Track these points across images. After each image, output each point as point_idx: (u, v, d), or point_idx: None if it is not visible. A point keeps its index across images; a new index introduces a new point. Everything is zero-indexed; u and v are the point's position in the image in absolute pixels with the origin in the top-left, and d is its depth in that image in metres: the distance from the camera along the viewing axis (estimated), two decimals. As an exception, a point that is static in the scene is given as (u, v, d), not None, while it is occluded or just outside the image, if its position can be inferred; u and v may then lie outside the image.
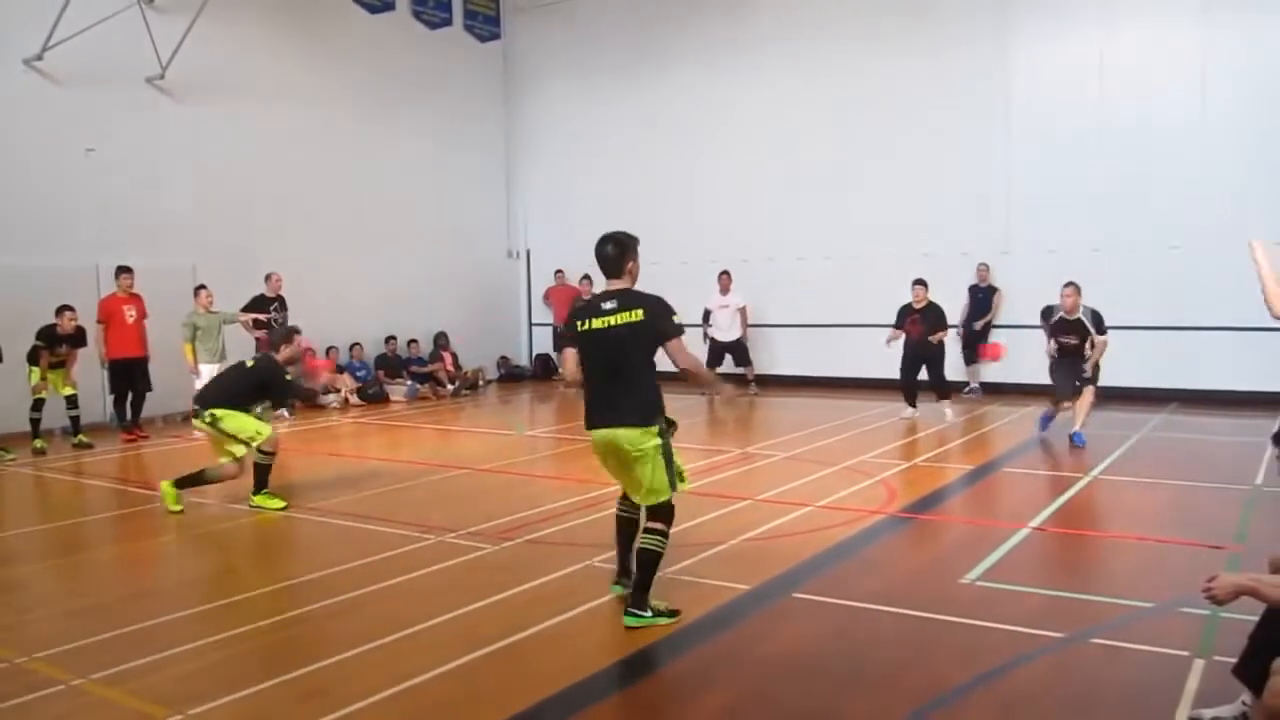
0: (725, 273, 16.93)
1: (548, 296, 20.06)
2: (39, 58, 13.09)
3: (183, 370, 13.05)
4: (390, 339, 17.28)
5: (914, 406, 13.58)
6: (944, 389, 13.61)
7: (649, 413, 5.44)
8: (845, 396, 15.48)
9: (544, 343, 20.60)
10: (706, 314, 16.95)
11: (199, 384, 12.91)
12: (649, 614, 5.37)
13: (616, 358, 5.43)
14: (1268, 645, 3.58)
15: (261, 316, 14.02)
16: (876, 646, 5.13)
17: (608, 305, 5.47)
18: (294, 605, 5.82)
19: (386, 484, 9.77)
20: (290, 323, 14.54)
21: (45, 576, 7.00)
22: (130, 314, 12.85)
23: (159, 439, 12.92)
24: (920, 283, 13.64)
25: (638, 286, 5.65)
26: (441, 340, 18.26)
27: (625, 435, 5.39)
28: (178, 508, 8.43)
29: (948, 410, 13.36)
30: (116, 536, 8.35)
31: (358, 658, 4.99)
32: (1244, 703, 3.83)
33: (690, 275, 18.45)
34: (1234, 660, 3.86)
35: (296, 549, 7.59)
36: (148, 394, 13.08)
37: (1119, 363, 14.60)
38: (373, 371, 16.93)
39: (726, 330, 16.71)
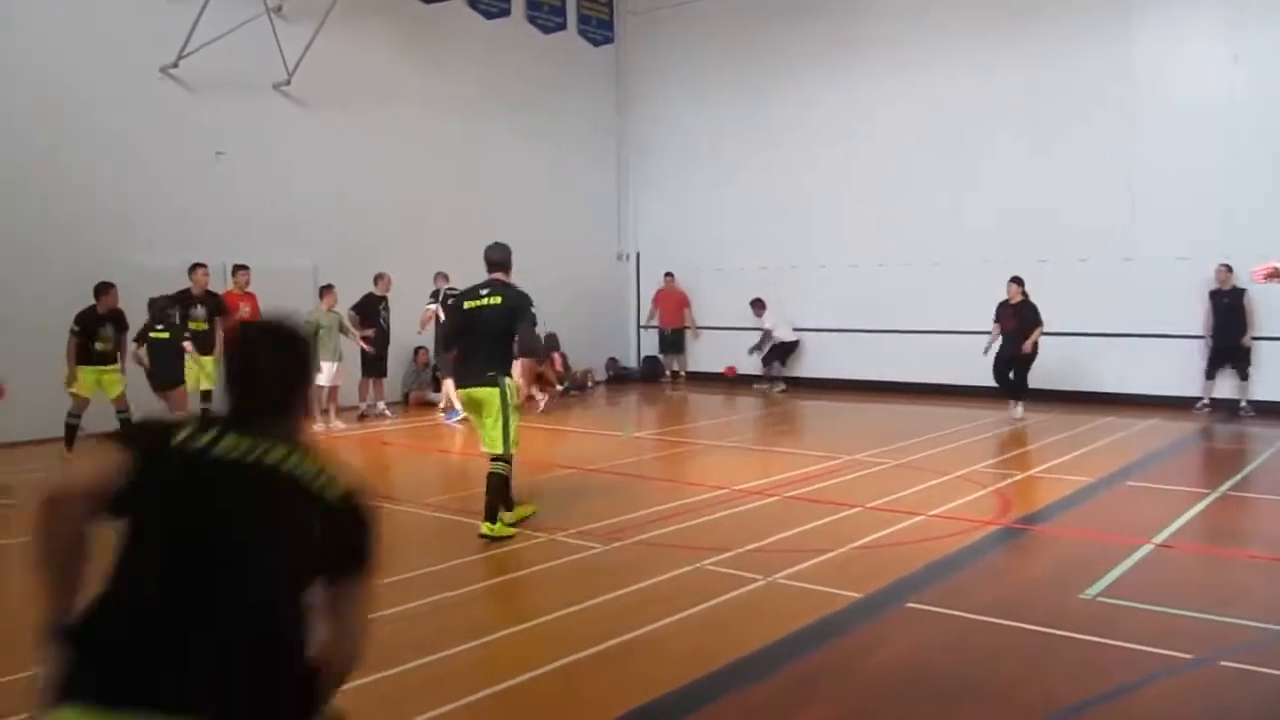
0: (757, 300, 18.18)
1: (656, 299, 20.13)
2: (174, 66, 13.64)
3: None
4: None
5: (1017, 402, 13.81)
6: (1021, 393, 13.72)
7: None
8: (950, 404, 15.15)
9: (652, 345, 20.67)
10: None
11: (320, 379, 13.36)
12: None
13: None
14: None
15: (369, 333, 14.34)
16: (990, 660, 5.01)
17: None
18: (402, 600, 5.93)
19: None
20: (395, 323, 14.89)
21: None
22: (244, 310, 13.31)
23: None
24: (1016, 280, 13.77)
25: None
26: (551, 341, 18.43)
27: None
28: (509, 533, 7.47)
29: (1019, 409, 13.58)
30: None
31: (464, 654, 5.07)
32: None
33: (800, 279, 18.37)
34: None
35: (406, 544, 7.74)
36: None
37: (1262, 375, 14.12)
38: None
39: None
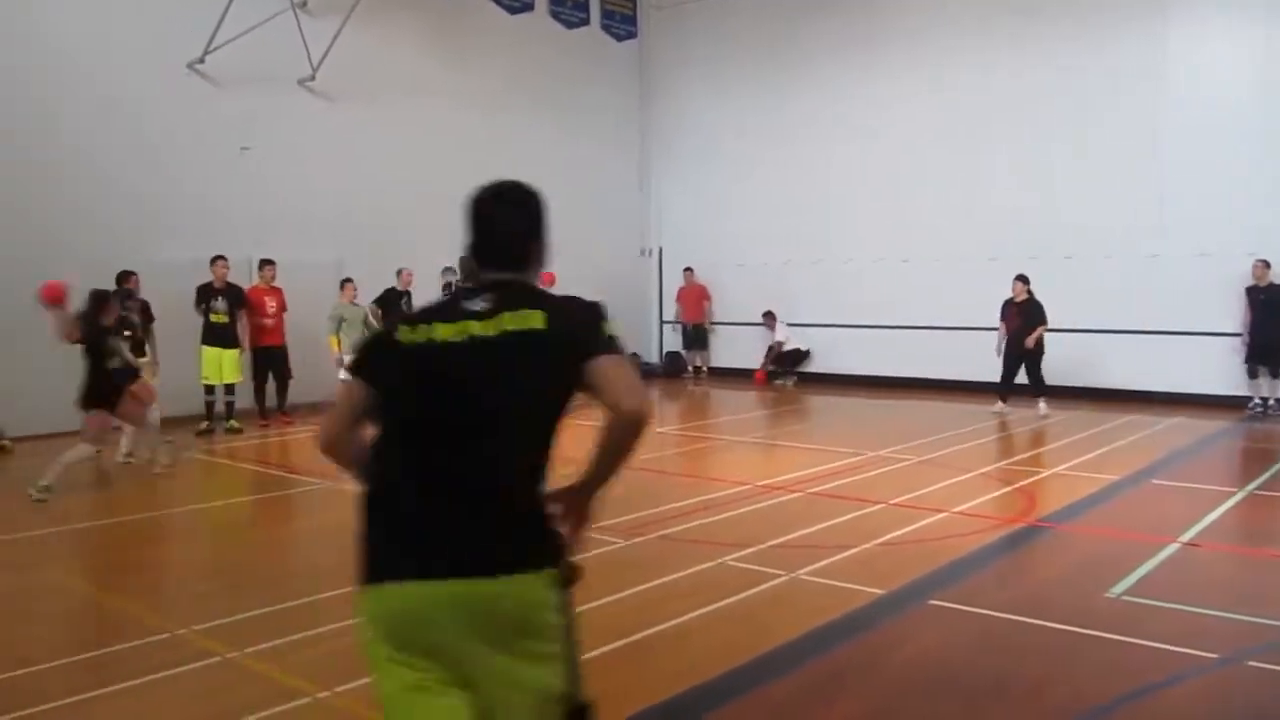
0: (769, 313, 18.59)
1: (679, 295, 20.13)
2: (201, 61, 13.73)
3: (322, 361, 13.60)
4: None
5: (1005, 402, 13.89)
6: (1040, 388, 13.78)
7: None
8: (972, 400, 15.06)
9: (674, 340, 20.68)
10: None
11: (343, 374, 13.43)
12: None
13: None
14: None
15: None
16: (1016, 659, 4.99)
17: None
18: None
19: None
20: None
21: (202, 555, 7.36)
22: (271, 305, 13.42)
23: (302, 425, 13.41)
24: (1021, 278, 13.94)
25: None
26: (573, 336, 18.48)
27: None
28: None
29: (1042, 405, 13.62)
30: (266, 519, 8.72)
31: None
32: None
33: (821, 274, 18.33)
34: None
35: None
36: (290, 381, 13.61)
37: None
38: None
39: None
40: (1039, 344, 13.75)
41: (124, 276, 11.77)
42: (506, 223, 2.73)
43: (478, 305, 2.50)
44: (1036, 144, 15.92)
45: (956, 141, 16.76)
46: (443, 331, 2.46)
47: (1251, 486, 9.15)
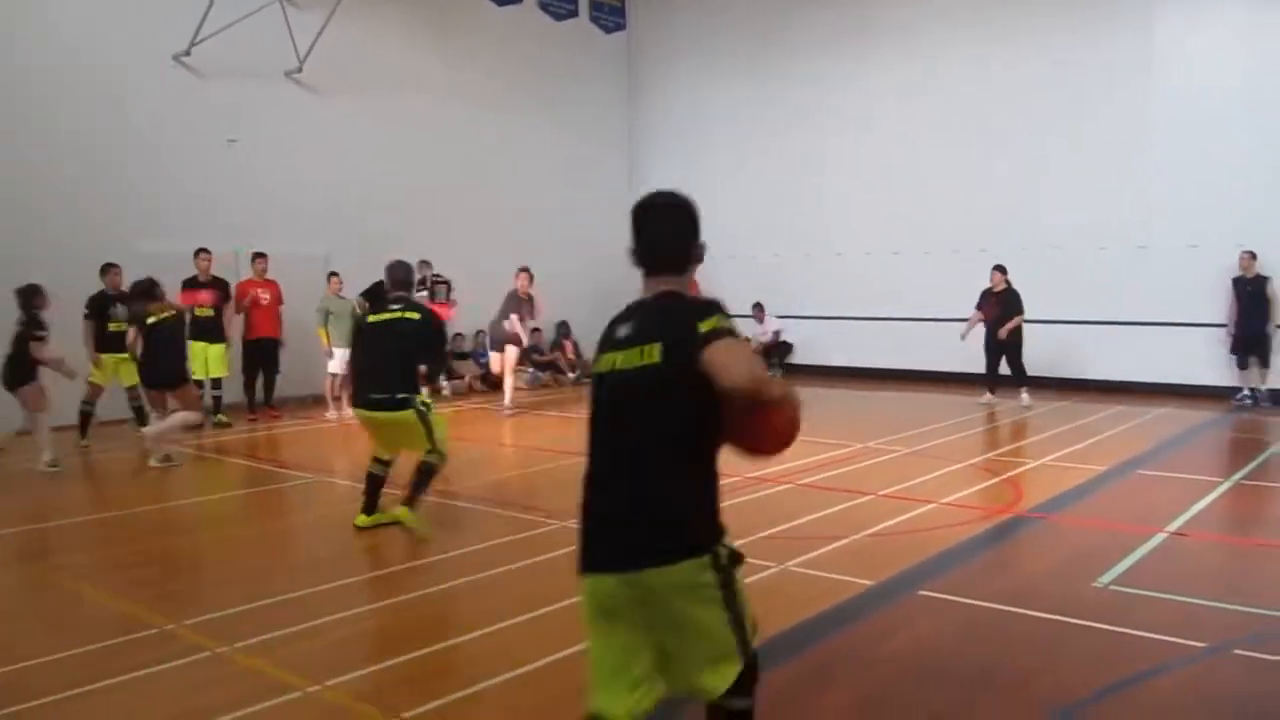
0: (758, 304, 18.38)
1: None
2: (186, 53, 13.67)
3: (313, 354, 13.60)
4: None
5: (993, 393, 14.07)
6: (1022, 379, 13.99)
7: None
8: (962, 392, 15.10)
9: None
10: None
11: (332, 365, 13.42)
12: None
13: None
14: None
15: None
16: (1004, 649, 5.01)
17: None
18: (422, 585, 5.98)
19: (510, 469, 9.97)
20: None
21: (192, 549, 7.34)
22: (264, 297, 13.37)
23: (290, 419, 13.39)
24: (1000, 268, 14.16)
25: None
26: (563, 329, 18.49)
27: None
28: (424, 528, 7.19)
29: (1024, 396, 13.85)
30: (254, 514, 8.70)
31: (481, 640, 5.11)
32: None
33: (813, 266, 18.35)
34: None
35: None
36: (276, 376, 13.57)
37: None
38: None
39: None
40: (1018, 335, 13.88)
41: (106, 269, 11.72)
42: (662, 227, 3.21)
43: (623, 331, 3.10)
44: (1028, 136, 15.96)
45: (948, 134, 16.78)
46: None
47: (1238, 476, 9.21)
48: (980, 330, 14.31)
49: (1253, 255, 13.80)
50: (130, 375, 11.48)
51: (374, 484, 7.46)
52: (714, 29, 19.63)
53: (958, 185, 16.66)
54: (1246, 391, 13.98)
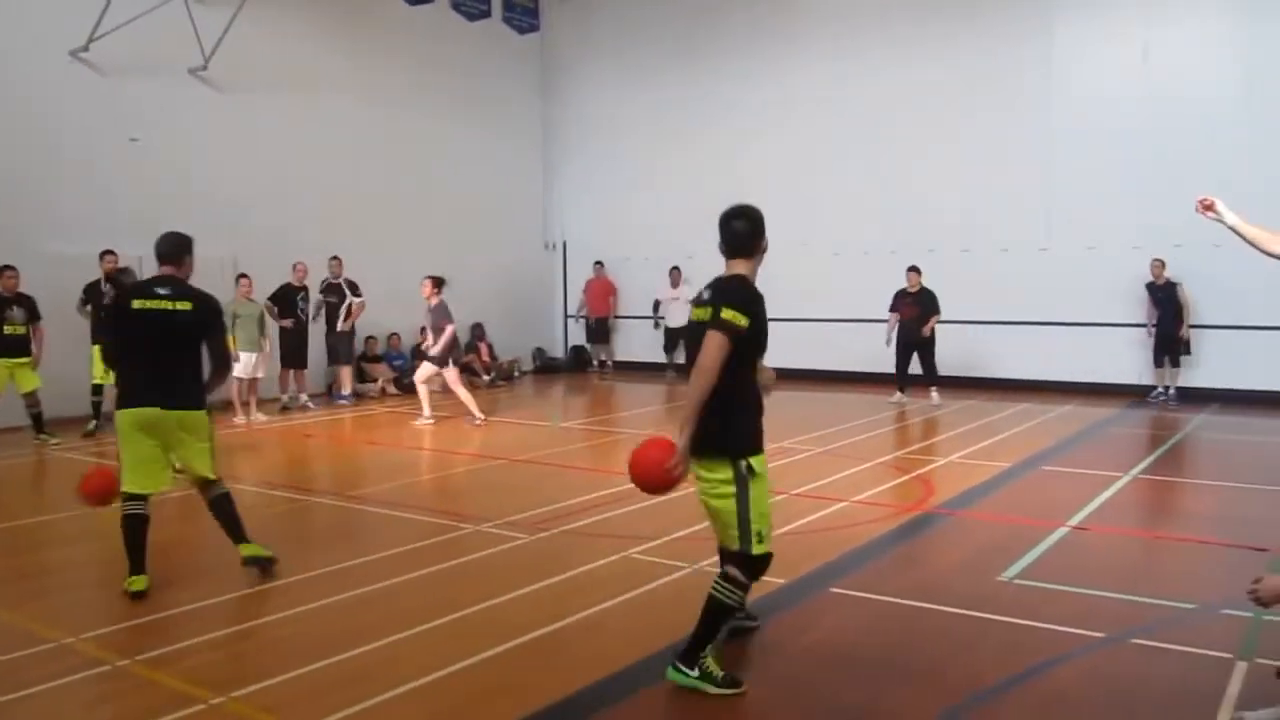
0: (676, 268, 18.09)
1: (586, 289, 20.11)
2: (85, 49, 13.26)
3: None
4: (424, 329, 17.34)
5: (903, 392, 14.41)
6: (933, 378, 14.37)
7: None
8: (871, 391, 15.36)
9: (580, 335, 20.65)
10: (656, 304, 18.92)
11: (237, 371, 13.10)
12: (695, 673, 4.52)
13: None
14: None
15: (286, 324, 14.27)
16: (914, 643, 5.11)
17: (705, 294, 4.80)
18: (331, 592, 5.87)
19: (422, 473, 9.86)
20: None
21: (90, 560, 7.11)
22: None
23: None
24: (914, 269, 14.49)
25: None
26: (478, 331, 18.37)
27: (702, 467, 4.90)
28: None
29: (934, 395, 14.23)
30: (158, 522, 8.45)
31: (395, 645, 5.04)
32: (1290, 706, 3.79)
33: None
34: (1278, 663, 3.82)
35: (331, 537, 7.66)
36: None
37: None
38: (409, 361, 16.99)
39: (677, 318, 17.61)
40: (931, 334, 14.19)
41: (0, 271, 11.30)
42: (735, 224, 5.10)
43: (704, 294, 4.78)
44: (939, 139, 16.33)
45: (860, 136, 17.07)
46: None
47: (1136, 471, 9.50)
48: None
49: (1163, 264, 14.30)
50: (27, 380, 11.10)
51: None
52: (627, 30, 19.70)
53: (869, 187, 16.96)
54: (1160, 389, 14.47)
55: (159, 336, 5.93)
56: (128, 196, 13.73)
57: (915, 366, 14.43)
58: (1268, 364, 13.99)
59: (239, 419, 13.09)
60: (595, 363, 20.14)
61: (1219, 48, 14.34)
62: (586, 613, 5.50)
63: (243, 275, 13.60)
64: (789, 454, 10.41)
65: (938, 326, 14.26)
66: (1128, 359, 14.88)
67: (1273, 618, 5.22)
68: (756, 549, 4.46)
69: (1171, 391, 14.43)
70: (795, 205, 17.70)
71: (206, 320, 6.12)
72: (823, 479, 9.07)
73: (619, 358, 20.10)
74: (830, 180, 17.37)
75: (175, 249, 6.16)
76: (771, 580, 5.99)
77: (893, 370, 14.63)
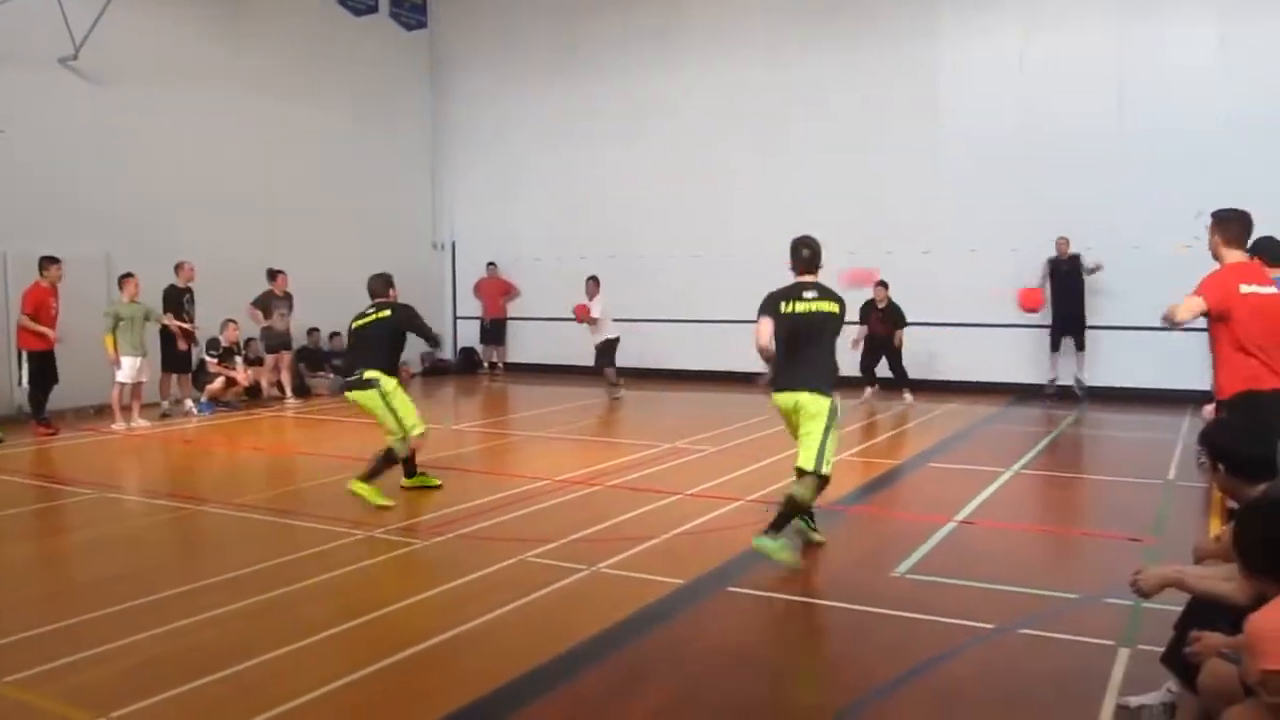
0: (593, 278, 15.82)
1: (477, 289, 19.90)
2: (-57, 35, 12.60)
3: (95, 362, 12.64)
4: (312, 331, 16.96)
5: (874, 386, 14.77)
6: (904, 380, 14.80)
7: (829, 383, 6.53)
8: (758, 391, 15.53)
9: (470, 336, 20.41)
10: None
11: (120, 376, 12.58)
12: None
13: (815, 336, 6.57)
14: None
15: (189, 327, 13.78)
16: (810, 640, 5.18)
17: (809, 294, 6.59)
18: (217, 604, 5.67)
19: (311, 479, 9.61)
20: (204, 315, 14.21)
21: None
22: (55, 306, 12.42)
23: (70, 432, 12.49)
24: (882, 284, 14.84)
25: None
26: (365, 332, 17.98)
27: (808, 397, 6.38)
28: (387, 501, 8.05)
29: (908, 396, 14.62)
30: (30, 533, 8.07)
31: (285, 657, 4.88)
32: (1170, 690, 3.93)
33: (619, 269, 18.48)
34: (1158, 649, 3.97)
35: (218, 546, 7.41)
36: (54, 386, 12.60)
37: (1041, 361, 15.16)
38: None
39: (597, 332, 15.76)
40: (900, 342, 14.70)
41: None
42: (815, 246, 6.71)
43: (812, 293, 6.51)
44: (822, 143, 16.58)
45: (747, 136, 17.25)
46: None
47: (1017, 466, 9.81)
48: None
49: (1067, 240, 14.71)
50: None
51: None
52: (517, 27, 19.54)
53: (755, 187, 17.14)
54: (1053, 378, 15.01)
55: None
56: (-9, 192, 13.08)
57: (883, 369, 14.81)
58: (1155, 363, 14.46)
59: (118, 424, 12.56)
60: (486, 364, 19.94)
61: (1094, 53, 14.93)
62: (483, 619, 5.41)
63: (128, 275, 12.98)
64: (683, 454, 10.46)
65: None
66: (1013, 358, 15.41)
67: (1152, 606, 5.43)
68: (826, 470, 6.37)
69: (1082, 380, 14.86)
70: (683, 207, 17.85)
71: None
72: (717, 479, 9.13)
73: (511, 359, 19.93)
74: (717, 181, 17.49)
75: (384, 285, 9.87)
76: (667, 581, 6.03)
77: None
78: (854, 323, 14.89)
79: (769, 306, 6.58)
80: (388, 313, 9.15)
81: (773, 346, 6.49)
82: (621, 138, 18.42)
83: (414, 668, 4.78)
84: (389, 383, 8.44)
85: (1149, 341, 14.08)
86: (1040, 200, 14.98)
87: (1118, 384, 14.74)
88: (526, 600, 5.73)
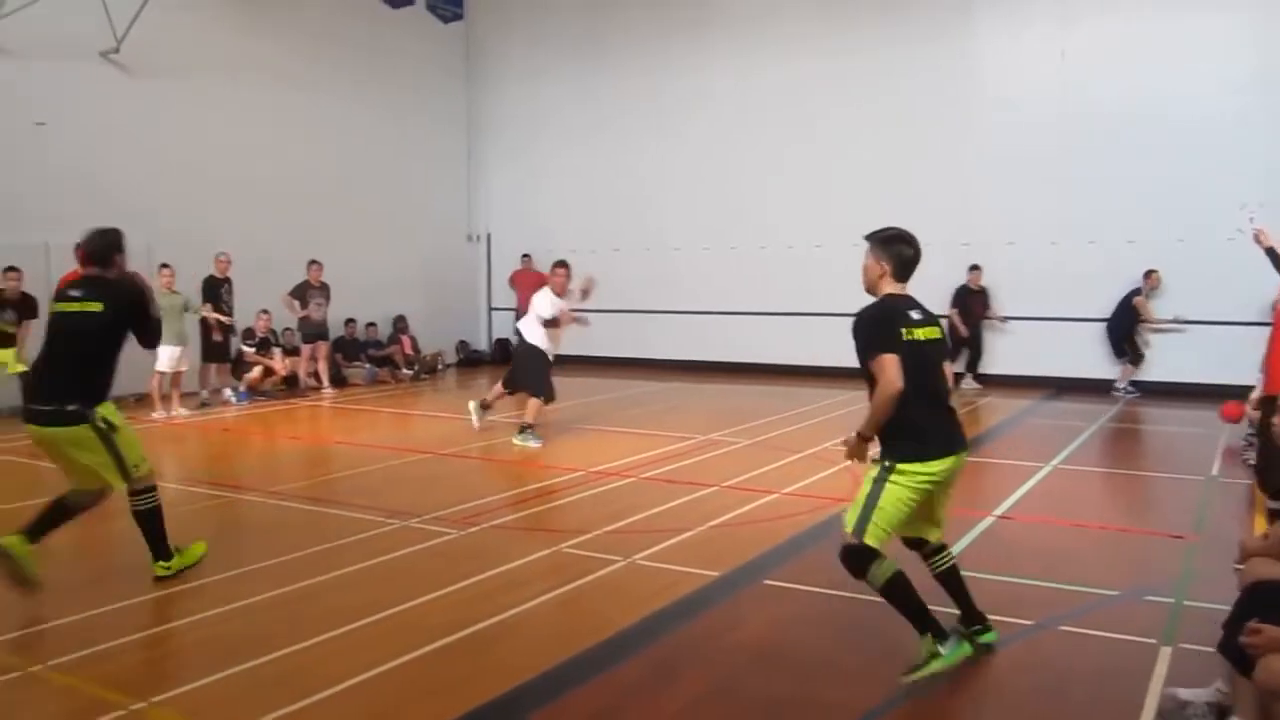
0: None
1: (513, 281, 19.91)
2: (-11, 29, 12.76)
3: (136, 352, 12.72)
4: (349, 322, 17.06)
5: (969, 377, 15.18)
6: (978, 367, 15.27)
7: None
8: (807, 384, 15.48)
9: (503, 327, 20.45)
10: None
11: (159, 365, 12.72)
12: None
13: (938, 372, 4.74)
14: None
15: (226, 320, 13.91)
16: (847, 635, 5.12)
17: (915, 314, 4.64)
18: (253, 592, 5.71)
19: (346, 468, 9.66)
20: (240, 306, 14.33)
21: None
22: None
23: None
24: (976, 267, 15.10)
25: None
26: (400, 323, 18.10)
27: (962, 459, 4.72)
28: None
29: (973, 381, 15.10)
30: (72, 521, 8.16)
31: (321, 645, 4.91)
32: (1219, 689, 3.85)
33: (652, 261, 18.48)
34: (1201, 648, 3.91)
35: (255, 534, 7.46)
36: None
37: (1082, 355, 14.97)
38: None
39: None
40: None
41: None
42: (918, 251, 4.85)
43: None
44: (857, 131, 16.44)
45: (783, 128, 17.14)
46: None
47: (1056, 461, 9.69)
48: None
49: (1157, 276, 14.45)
50: (14, 363, 11.10)
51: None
52: (552, 19, 19.56)
53: (792, 181, 17.04)
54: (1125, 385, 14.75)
55: None
56: (33, 185, 13.23)
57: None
58: (1199, 357, 14.23)
59: (157, 413, 12.71)
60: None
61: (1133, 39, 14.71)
62: (518, 609, 5.42)
63: (164, 265, 13.14)
64: (717, 447, 10.42)
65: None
66: (1054, 349, 15.27)
67: (1193, 604, 5.36)
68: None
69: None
70: (719, 199, 17.79)
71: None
72: (753, 471, 9.08)
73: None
74: (755, 172, 17.41)
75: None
76: (702, 573, 6.00)
77: (829, 365, 14.81)
78: (803, 315, 15.09)
79: (888, 334, 4.50)
80: (98, 305, 5.85)
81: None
82: (656, 129, 18.38)
83: (449, 657, 4.79)
84: (109, 409, 5.84)
85: (1193, 336, 13.92)
86: (1081, 193, 14.80)
87: (1161, 379, 14.54)
88: (561, 591, 5.73)
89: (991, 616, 5.18)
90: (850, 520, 4.64)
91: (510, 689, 4.40)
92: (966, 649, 4.59)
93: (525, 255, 19.68)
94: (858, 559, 4.59)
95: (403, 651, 4.78)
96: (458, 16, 20.44)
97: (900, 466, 4.54)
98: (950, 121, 15.79)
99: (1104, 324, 14.74)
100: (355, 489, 8.62)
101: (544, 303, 10.96)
